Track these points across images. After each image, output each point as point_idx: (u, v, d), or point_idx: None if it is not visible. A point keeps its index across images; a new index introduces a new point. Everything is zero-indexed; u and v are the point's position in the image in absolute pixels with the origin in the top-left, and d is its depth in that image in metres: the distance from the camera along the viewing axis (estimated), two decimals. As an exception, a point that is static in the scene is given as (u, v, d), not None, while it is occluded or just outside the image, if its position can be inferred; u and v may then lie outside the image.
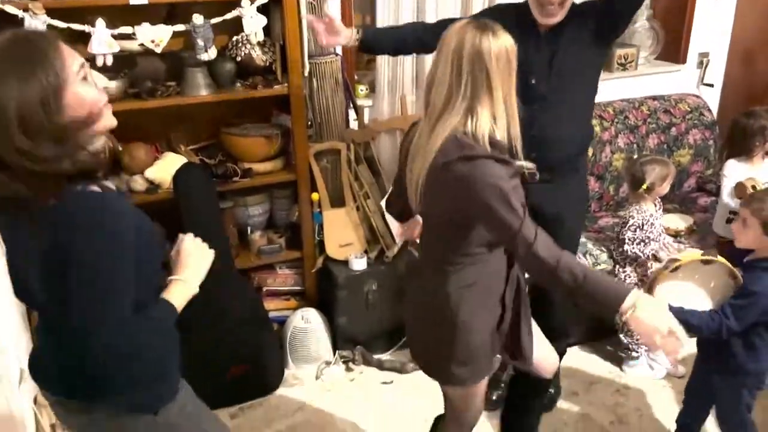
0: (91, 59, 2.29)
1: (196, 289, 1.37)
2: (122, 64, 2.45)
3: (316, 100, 2.81)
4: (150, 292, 1.30)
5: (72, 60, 1.16)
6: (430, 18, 2.85)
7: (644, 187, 2.59)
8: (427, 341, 1.76)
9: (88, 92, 1.18)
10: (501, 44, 1.48)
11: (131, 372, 1.22)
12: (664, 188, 2.65)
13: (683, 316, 1.87)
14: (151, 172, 2.57)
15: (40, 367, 1.38)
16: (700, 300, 1.99)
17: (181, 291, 1.34)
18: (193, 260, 1.39)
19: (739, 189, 2.88)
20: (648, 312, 1.40)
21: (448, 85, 1.49)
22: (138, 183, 2.57)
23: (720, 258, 1.96)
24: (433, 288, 1.68)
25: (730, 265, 1.95)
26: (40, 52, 1.12)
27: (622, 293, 1.42)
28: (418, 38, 2.16)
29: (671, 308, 1.78)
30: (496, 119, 1.51)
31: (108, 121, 1.24)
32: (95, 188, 1.20)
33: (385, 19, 2.87)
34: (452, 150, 1.48)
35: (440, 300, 1.66)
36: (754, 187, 2.78)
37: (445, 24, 2.22)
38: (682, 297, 1.95)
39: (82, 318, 1.16)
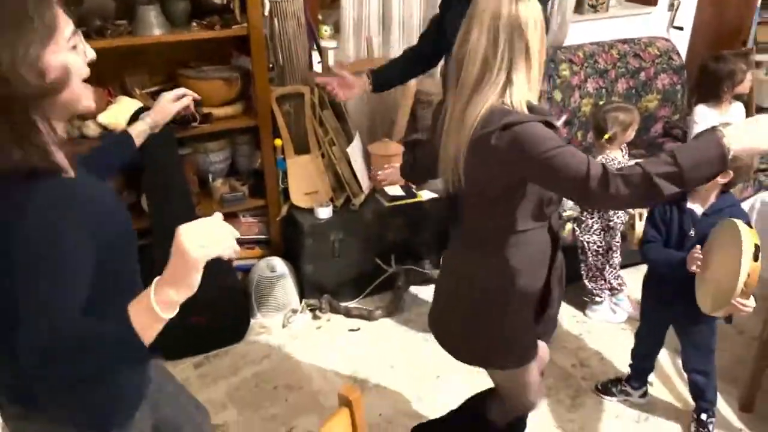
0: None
1: (175, 298, 1.00)
2: (68, 1, 2.28)
3: (278, 41, 2.69)
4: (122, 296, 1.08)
5: (65, 24, 1.07)
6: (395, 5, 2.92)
7: (606, 137, 2.58)
8: (464, 325, 1.70)
9: (75, 61, 1.09)
10: (535, 8, 1.42)
11: (69, 379, 1.03)
12: (629, 135, 2.64)
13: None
14: (104, 118, 2.44)
15: None
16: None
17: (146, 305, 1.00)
18: (179, 258, 0.99)
19: None
20: (742, 129, 1.31)
21: (483, 57, 1.43)
22: (90, 129, 2.45)
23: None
24: (474, 270, 1.63)
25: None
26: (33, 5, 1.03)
27: (709, 137, 1.32)
28: (418, 60, 2.34)
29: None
30: (531, 87, 1.46)
31: (87, 101, 1.14)
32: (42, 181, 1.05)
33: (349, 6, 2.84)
34: (494, 119, 1.42)
35: (483, 282, 1.62)
36: None
37: (428, 35, 2.29)
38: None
39: (22, 309, 1.00)
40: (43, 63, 1.03)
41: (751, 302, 1.73)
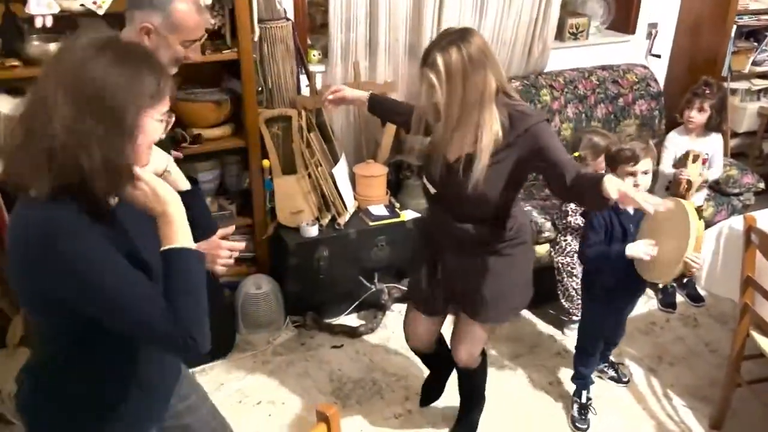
0: (29, 20, 2.23)
1: (179, 209, 1.19)
2: (64, 26, 2.35)
3: (267, 65, 2.77)
4: None
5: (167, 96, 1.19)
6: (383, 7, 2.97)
7: (576, 154, 2.66)
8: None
9: (157, 132, 1.18)
10: None
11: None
12: (600, 163, 2.67)
13: None
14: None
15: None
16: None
17: (172, 227, 1.18)
18: (154, 191, 1.19)
19: (685, 156, 2.98)
20: None
21: None
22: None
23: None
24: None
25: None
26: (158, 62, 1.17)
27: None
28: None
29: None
30: None
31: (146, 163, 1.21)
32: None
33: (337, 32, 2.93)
34: None
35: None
36: (696, 157, 2.89)
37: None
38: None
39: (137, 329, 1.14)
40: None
41: (700, 257, 2.00)
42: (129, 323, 1.14)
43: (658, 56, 3.85)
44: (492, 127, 1.78)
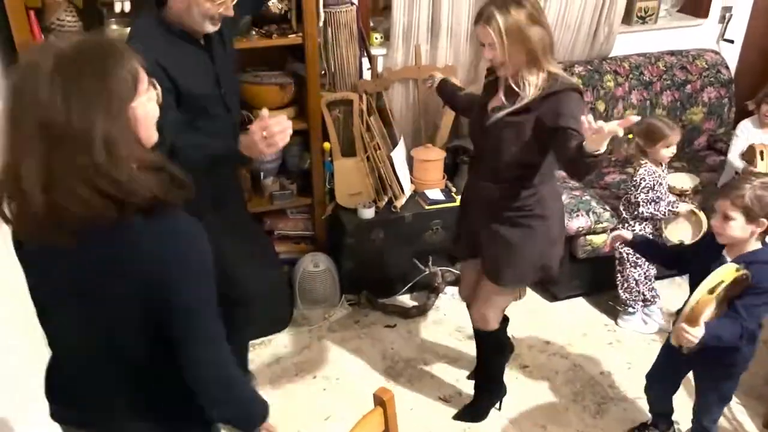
0: (108, 4, 2.34)
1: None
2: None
3: (331, 49, 2.82)
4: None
5: (144, 75, 1.13)
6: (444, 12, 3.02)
7: (629, 136, 2.62)
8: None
9: (154, 110, 1.16)
10: None
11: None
12: (658, 151, 2.64)
13: (715, 332, 1.80)
14: (167, 118, 2.63)
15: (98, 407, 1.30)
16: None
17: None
18: None
19: (749, 152, 2.90)
20: None
21: None
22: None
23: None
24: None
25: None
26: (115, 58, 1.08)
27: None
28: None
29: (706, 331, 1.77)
30: None
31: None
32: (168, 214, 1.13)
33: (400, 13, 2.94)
34: None
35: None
36: (762, 152, 2.80)
37: None
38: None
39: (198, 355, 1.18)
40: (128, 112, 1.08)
41: (695, 332, 1.74)
42: (204, 336, 1.18)
43: (731, 41, 3.70)
44: (537, 85, 1.86)
